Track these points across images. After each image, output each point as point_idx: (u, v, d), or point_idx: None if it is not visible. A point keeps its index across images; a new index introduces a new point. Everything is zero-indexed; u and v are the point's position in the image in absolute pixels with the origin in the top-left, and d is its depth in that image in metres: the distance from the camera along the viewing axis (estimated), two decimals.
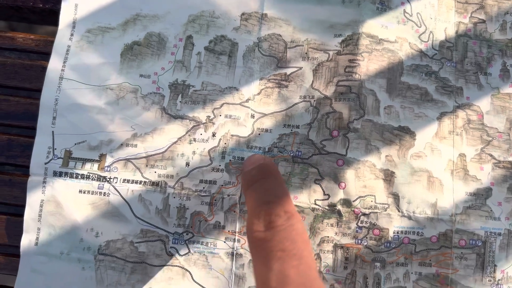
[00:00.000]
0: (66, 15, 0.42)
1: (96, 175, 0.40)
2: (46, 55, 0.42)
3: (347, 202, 0.39)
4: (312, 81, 0.41)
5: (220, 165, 0.40)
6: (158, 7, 0.42)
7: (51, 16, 0.43)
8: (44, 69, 0.41)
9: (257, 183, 0.34)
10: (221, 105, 0.41)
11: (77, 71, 0.41)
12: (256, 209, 0.32)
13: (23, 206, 0.40)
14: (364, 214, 0.39)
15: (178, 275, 0.39)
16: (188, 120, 0.40)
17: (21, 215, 0.40)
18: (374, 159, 0.39)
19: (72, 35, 0.41)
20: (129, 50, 0.41)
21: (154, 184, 0.40)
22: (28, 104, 0.42)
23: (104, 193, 0.39)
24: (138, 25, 0.42)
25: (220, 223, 0.39)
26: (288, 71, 0.41)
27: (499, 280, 0.39)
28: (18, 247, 0.39)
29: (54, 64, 0.41)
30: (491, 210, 0.39)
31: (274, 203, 0.32)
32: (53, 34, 0.42)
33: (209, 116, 0.40)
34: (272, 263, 0.29)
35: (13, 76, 0.42)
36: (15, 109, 0.42)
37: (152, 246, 0.39)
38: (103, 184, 0.40)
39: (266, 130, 0.40)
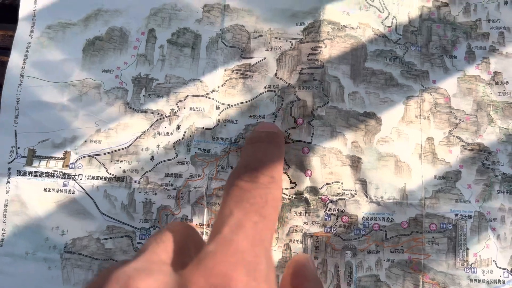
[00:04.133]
0: (25, 11, 0.41)
1: (60, 173, 0.39)
2: (4, 50, 0.42)
3: (314, 190, 0.38)
4: (276, 71, 0.40)
5: (185, 158, 0.39)
6: (120, 2, 0.42)
7: (11, 13, 0.43)
8: (3, 64, 0.41)
9: (262, 143, 0.35)
10: (185, 98, 0.40)
11: (38, 68, 0.40)
12: (249, 162, 0.33)
13: None
14: (332, 201, 0.38)
15: None
16: (152, 114, 0.40)
17: None
18: (340, 146, 0.39)
19: (32, 31, 0.41)
20: (91, 46, 0.41)
21: (119, 179, 0.39)
22: None
23: (69, 190, 0.39)
24: (100, 20, 0.41)
25: (187, 216, 0.39)
26: (252, 61, 0.41)
27: (472, 263, 0.38)
28: None
29: (14, 62, 0.40)
30: (460, 193, 0.39)
31: (266, 164, 0.33)
32: (12, 29, 0.41)
33: (173, 109, 0.40)
34: (236, 211, 0.29)
35: None
36: None
37: (119, 243, 0.38)
38: (68, 182, 0.39)
39: (232, 121, 0.40)
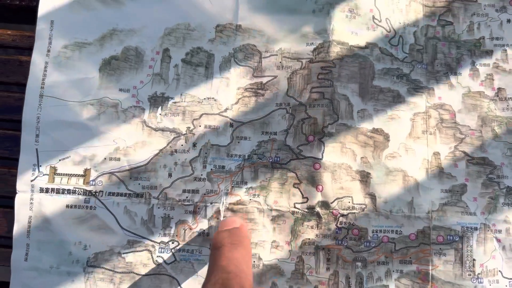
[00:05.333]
0: (42, 32, 0.43)
1: (82, 190, 0.41)
2: (22, 49, 0.44)
3: (325, 204, 0.40)
4: (287, 89, 0.42)
5: (202, 174, 0.41)
6: (134, 22, 0.43)
7: (28, 13, 0.45)
8: (20, 63, 0.43)
9: (226, 247, 0.35)
10: (200, 116, 0.42)
11: (56, 88, 0.42)
12: (216, 275, 0.33)
13: (2, 197, 0.41)
14: (342, 215, 0.40)
15: (165, 283, 0.40)
16: (168, 132, 0.41)
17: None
18: (349, 161, 0.40)
19: (49, 51, 0.42)
20: (107, 65, 0.42)
21: (139, 195, 0.41)
22: (5, 98, 0.43)
23: (91, 206, 0.41)
24: (115, 39, 0.43)
25: (204, 230, 0.40)
26: (264, 80, 0.42)
27: (478, 274, 0.40)
28: None
29: (33, 82, 0.42)
30: (466, 206, 0.40)
31: (233, 274, 0.33)
32: (29, 29, 0.43)
33: (189, 127, 0.42)
34: None
35: None
36: None
37: (139, 256, 0.40)
38: (89, 198, 0.41)
39: (245, 138, 0.41)
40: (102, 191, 0.41)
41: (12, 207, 0.41)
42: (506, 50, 0.42)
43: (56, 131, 0.41)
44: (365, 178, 0.40)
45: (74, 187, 0.41)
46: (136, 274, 0.40)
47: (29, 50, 0.43)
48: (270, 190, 0.40)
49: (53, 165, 0.41)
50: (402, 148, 0.41)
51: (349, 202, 0.40)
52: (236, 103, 0.42)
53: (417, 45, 0.43)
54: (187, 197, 0.41)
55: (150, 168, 0.41)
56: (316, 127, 0.41)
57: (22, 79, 0.43)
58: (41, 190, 0.41)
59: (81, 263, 0.40)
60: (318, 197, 0.40)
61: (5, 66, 0.44)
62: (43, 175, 0.41)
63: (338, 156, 0.40)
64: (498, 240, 0.40)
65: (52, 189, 0.41)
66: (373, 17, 0.42)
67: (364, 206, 0.40)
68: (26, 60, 0.43)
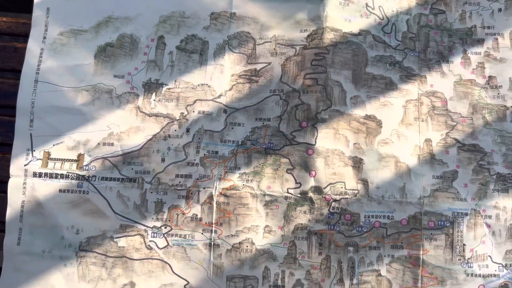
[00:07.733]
0: (38, 19, 0.43)
1: (75, 174, 0.41)
2: (18, 36, 0.44)
3: (318, 190, 0.40)
4: (281, 75, 0.42)
5: (195, 160, 0.41)
6: (130, 9, 0.43)
7: (24, 2, 0.45)
8: (16, 49, 0.44)
9: None
10: (194, 102, 0.42)
11: (51, 74, 0.42)
12: None
13: None
14: (335, 200, 0.40)
15: (158, 267, 0.40)
16: (162, 118, 0.42)
17: None
18: (342, 147, 0.41)
19: (45, 38, 0.43)
20: (102, 52, 0.43)
21: (132, 180, 0.41)
22: (0, 84, 0.44)
23: (84, 191, 0.41)
24: (110, 27, 0.43)
25: (197, 215, 0.40)
26: (258, 66, 0.43)
27: (468, 258, 0.40)
28: None
29: (28, 68, 0.42)
30: (457, 192, 0.41)
31: None
32: (24, 17, 0.44)
33: (183, 113, 0.42)
34: None
35: None
36: None
37: (131, 241, 0.40)
38: (82, 183, 0.41)
39: (239, 124, 0.42)
40: (95, 176, 0.41)
41: (6, 192, 0.41)
42: (497, 38, 0.43)
43: (50, 116, 0.41)
44: (357, 164, 0.41)
45: (67, 172, 0.41)
46: (128, 258, 0.40)
47: (24, 37, 0.43)
48: (263, 175, 0.41)
49: (46, 150, 0.41)
50: (395, 135, 0.41)
51: (341, 187, 0.40)
52: (230, 89, 0.42)
53: (410, 33, 0.43)
54: (180, 182, 0.41)
55: (143, 153, 0.41)
56: (309, 113, 0.41)
57: (18, 66, 0.43)
58: (34, 174, 0.41)
59: (74, 248, 0.40)
60: (311, 183, 0.40)
61: (1, 53, 0.44)
62: (37, 159, 0.41)
63: (331, 142, 0.41)
64: (488, 226, 0.40)
65: (45, 174, 0.41)
66: (366, 5, 0.43)
67: (356, 191, 0.40)
68: (21, 46, 0.43)
